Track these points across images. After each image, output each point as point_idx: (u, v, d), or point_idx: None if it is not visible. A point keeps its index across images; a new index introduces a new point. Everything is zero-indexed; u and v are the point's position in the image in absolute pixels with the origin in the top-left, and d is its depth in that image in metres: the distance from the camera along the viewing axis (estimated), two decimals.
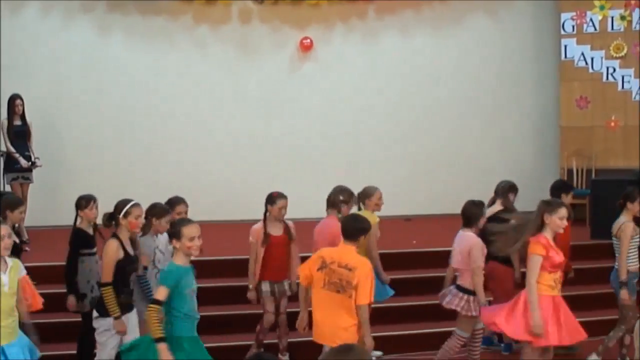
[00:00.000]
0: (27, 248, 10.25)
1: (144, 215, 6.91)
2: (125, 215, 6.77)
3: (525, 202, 12.98)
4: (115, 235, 6.81)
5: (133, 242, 6.92)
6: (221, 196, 12.78)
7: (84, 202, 7.61)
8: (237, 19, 13.05)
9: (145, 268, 7.23)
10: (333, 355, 3.95)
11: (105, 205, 11.38)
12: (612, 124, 12.68)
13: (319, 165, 13.08)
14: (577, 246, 10.39)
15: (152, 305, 5.83)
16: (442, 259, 9.75)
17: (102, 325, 6.72)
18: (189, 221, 6.17)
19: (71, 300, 7.50)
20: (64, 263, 7.64)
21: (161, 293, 5.84)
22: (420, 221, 12.73)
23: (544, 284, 6.68)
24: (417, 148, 13.35)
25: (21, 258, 6.90)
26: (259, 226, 8.08)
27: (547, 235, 6.70)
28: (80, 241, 7.58)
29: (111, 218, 6.88)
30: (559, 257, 6.68)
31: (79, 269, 7.53)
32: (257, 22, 13.09)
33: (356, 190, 8.26)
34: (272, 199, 8.04)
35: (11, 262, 6.08)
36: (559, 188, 8.55)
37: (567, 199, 8.28)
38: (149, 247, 7.29)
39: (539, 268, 6.64)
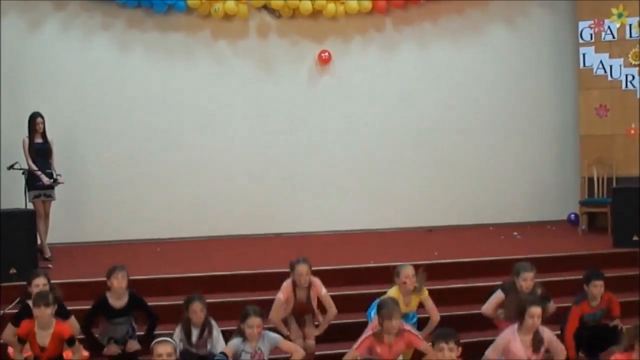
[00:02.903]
0: (50, 265, 10.33)
1: (169, 352, 6.30)
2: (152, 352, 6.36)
3: (547, 211, 13.13)
4: None
5: None
6: (243, 211, 12.80)
7: (108, 273, 7.65)
8: (255, 34, 13.06)
9: None
10: None
11: (131, 218, 11.49)
12: (632, 131, 12.62)
13: (339, 177, 13.10)
14: (598, 255, 10.40)
15: None
16: (463, 270, 9.80)
17: None
18: None
19: (112, 349, 7.62)
20: (88, 280, 7.71)
21: None
22: (441, 232, 12.71)
23: None
24: (436, 159, 13.31)
25: None
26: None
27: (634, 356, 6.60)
28: (99, 309, 7.69)
29: None
30: None
31: (100, 325, 7.72)
32: (275, 37, 13.10)
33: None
34: (291, 265, 8.01)
35: None
36: (588, 277, 8.19)
37: (597, 286, 8.10)
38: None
39: None
